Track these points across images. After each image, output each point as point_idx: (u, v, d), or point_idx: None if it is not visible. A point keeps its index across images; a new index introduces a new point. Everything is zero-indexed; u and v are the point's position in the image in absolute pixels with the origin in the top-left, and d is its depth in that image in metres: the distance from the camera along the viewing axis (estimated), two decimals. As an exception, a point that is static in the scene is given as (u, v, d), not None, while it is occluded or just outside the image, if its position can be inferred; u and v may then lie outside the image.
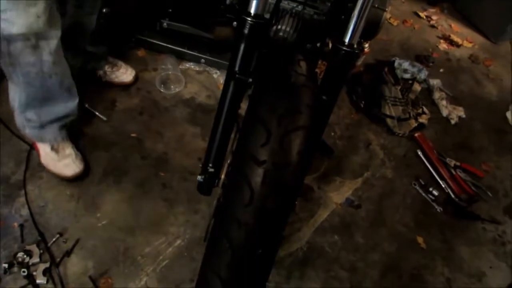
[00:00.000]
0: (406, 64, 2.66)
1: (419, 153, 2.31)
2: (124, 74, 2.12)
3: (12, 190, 1.68)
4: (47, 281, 1.48)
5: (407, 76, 2.60)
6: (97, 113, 1.98)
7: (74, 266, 1.55)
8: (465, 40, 3.24)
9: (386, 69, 2.53)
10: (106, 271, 1.56)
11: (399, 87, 2.44)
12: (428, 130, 2.46)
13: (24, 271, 1.46)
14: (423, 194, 2.14)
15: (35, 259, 1.51)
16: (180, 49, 2.32)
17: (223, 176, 1.26)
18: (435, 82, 2.71)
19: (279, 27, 1.13)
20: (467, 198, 2.15)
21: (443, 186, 2.19)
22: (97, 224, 1.67)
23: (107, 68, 2.08)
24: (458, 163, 2.28)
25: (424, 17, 3.38)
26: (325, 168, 2.06)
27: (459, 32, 3.33)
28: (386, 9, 1.14)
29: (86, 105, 1.98)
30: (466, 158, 2.37)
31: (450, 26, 3.38)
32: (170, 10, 2.22)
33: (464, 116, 2.61)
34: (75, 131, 1.81)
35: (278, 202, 0.91)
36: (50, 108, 1.60)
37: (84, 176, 1.74)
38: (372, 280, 1.78)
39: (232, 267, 0.96)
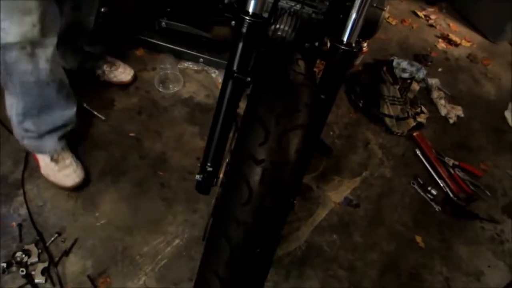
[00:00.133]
0: (404, 64, 2.66)
1: (418, 152, 2.31)
2: (123, 73, 2.12)
3: (10, 189, 1.68)
4: (46, 281, 1.48)
5: (405, 75, 2.60)
6: (95, 113, 1.98)
7: (73, 266, 1.54)
8: (464, 39, 3.24)
9: (384, 69, 2.53)
10: (104, 271, 1.56)
11: (397, 87, 2.44)
12: (426, 130, 2.46)
13: (22, 271, 1.46)
14: (422, 193, 2.14)
15: (34, 258, 1.51)
16: (179, 48, 2.32)
17: (221, 175, 1.26)
18: (433, 81, 2.71)
19: (277, 26, 1.13)
20: (466, 197, 2.16)
21: (441, 185, 2.19)
22: (96, 223, 1.67)
23: (105, 67, 2.08)
24: (456, 162, 2.29)
25: (423, 17, 3.38)
26: (324, 168, 2.06)
27: (458, 31, 3.33)
28: (385, 8, 1.14)
29: (85, 105, 1.98)
30: (465, 157, 2.38)
31: (449, 25, 3.38)
32: (169, 10, 2.22)
33: (462, 115, 2.62)
34: (74, 133, 1.79)
35: (277, 201, 0.91)
36: (48, 117, 1.58)
37: (84, 185, 1.73)
38: (371, 280, 1.78)
39: (231, 266, 0.96)
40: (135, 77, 2.16)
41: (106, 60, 2.08)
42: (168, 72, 2.26)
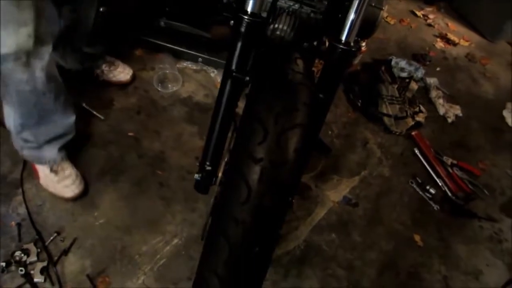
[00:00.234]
0: (403, 63, 2.67)
1: (416, 151, 2.32)
2: (122, 73, 2.12)
3: (9, 189, 1.68)
4: (45, 280, 1.48)
5: (404, 74, 2.60)
6: (94, 112, 1.98)
7: (72, 265, 1.55)
8: (462, 38, 3.25)
9: (383, 68, 2.54)
10: (103, 270, 1.56)
11: (396, 86, 2.45)
12: (425, 129, 2.47)
13: (21, 270, 1.46)
14: (420, 192, 2.14)
15: (33, 258, 1.51)
16: (178, 48, 2.32)
17: (220, 175, 1.26)
18: (432, 80, 2.72)
19: (276, 25, 1.13)
20: (464, 196, 2.16)
21: (440, 184, 2.20)
22: (95, 223, 1.67)
23: (104, 67, 2.08)
24: (455, 162, 2.29)
25: (421, 16, 3.39)
26: (323, 167, 2.06)
27: (456, 30, 3.34)
28: (383, 8, 1.14)
29: (84, 104, 1.98)
30: (463, 156, 2.38)
31: (447, 24, 3.39)
32: (168, 9, 2.23)
33: (461, 114, 2.62)
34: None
35: (275, 200, 0.91)
36: (46, 127, 1.57)
37: (83, 195, 1.72)
38: (370, 279, 1.78)
39: (230, 265, 0.96)
40: (134, 77, 2.17)
41: (105, 59, 2.09)
42: (167, 71, 2.26)
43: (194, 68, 2.35)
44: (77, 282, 1.51)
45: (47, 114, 1.53)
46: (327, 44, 1.14)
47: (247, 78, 1.05)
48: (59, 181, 1.67)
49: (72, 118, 1.64)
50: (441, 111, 2.59)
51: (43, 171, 1.68)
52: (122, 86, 2.13)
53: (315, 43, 1.23)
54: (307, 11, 1.15)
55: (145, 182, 1.82)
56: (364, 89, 2.47)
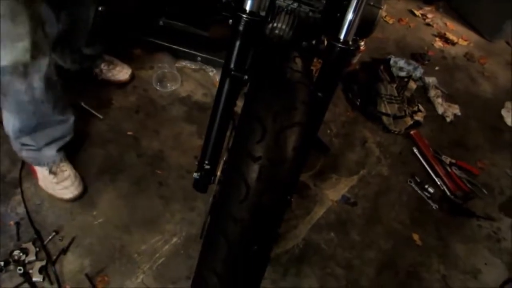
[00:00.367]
0: (401, 62, 2.67)
1: (415, 150, 2.32)
2: (121, 72, 2.12)
3: (8, 188, 1.68)
4: (43, 279, 1.48)
5: (402, 74, 2.60)
6: (93, 112, 1.98)
7: (70, 264, 1.55)
8: (461, 38, 3.25)
9: (381, 67, 2.54)
10: (102, 269, 1.56)
11: (394, 85, 2.45)
12: (423, 128, 2.47)
13: (20, 269, 1.46)
14: (419, 192, 2.14)
15: (31, 257, 1.51)
16: (176, 47, 2.32)
17: (219, 173, 1.26)
18: (430, 80, 2.72)
19: (274, 24, 1.13)
20: (463, 195, 2.16)
21: (438, 183, 2.20)
22: (93, 222, 1.67)
23: (103, 66, 2.08)
24: (453, 161, 2.29)
25: (420, 16, 3.39)
26: (321, 166, 2.06)
27: (455, 30, 3.34)
28: (382, 7, 1.14)
29: (82, 104, 1.98)
30: (462, 155, 2.38)
31: (446, 24, 3.39)
32: (167, 9, 2.22)
33: (459, 113, 2.63)
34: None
35: (274, 198, 0.91)
36: (45, 132, 1.57)
37: (82, 196, 1.72)
38: (368, 278, 1.78)
39: (228, 263, 0.96)
40: (133, 76, 2.16)
41: (104, 59, 2.08)
42: (166, 70, 2.26)
43: (193, 67, 2.35)
44: (76, 281, 1.51)
45: (46, 121, 1.54)
46: (325, 43, 1.14)
47: (246, 77, 1.06)
48: (58, 182, 1.66)
49: (70, 120, 1.64)
50: (440, 110, 2.59)
51: (41, 172, 1.68)
52: (121, 85, 2.13)
53: (313, 42, 1.23)
54: (306, 10, 1.15)
55: (144, 181, 1.82)
56: (363, 88, 2.47)
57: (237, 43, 1.03)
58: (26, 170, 1.73)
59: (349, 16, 0.98)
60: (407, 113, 2.42)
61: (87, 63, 2.03)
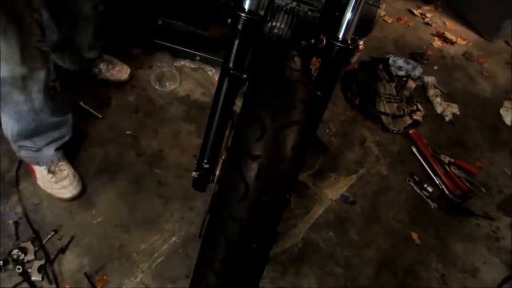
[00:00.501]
0: (400, 62, 2.67)
1: (414, 150, 2.32)
2: (120, 72, 2.11)
3: (7, 187, 1.68)
4: (42, 278, 1.48)
5: (401, 73, 2.60)
6: (92, 111, 1.98)
7: (69, 263, 1.55)
8: (459, 37, 3.25)
9: (380, 66, 2.54)
10: (101, 268, 1.56)
11: (393, 84, 2.45)
12: (422, 127, 2.47)
13: (19, 269, 1.46)
14: (418, 191, 2.15)
15: (30, 256, 1.51)
16: (175, 46, 2.32)
17: (218, 172, 1.26)
18: (429, 79, 2.72)
19: (273, 23, 1.13)
20: (461, 194, 2.16)
21: (437, 182, 2.20)
22: (92, 221, 1.67)
23: (102, 66, 2.08)
24: (452, 160, 2.29)
25: (419, 15, 3.39)
26: (320, 165, 2.07)
27: (453, 29, 3.34)
28: (380, 6, 1.14)
29: (81, 103, 1.98)
30: (460, 154, 2.39)
31: (444, 23, 3.39)
32: (166, 8, 2.22)
33: (458, 113, 2.63)
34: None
35: (273, 196, 0.91)
36: (44, 134, 1.58)
37: (81, 195, 1.72)
38: (367, 276, 1.79)
39: (227, 262, 0.96)
40: (131, 76, 2.16)
41: (103, 58, 2.08)
42: (165, 70, 2.26)
43: (192, 66, 2.34)
44: (75, 280, 1.51)
45: (45, 125, 1.55)
46: (324, 42, 1.14)
47: (245, 76, 1.06)
48: (56, 181, 1.67)
49: (69, 120, 1.65)
50: (439, 109, 2.59)
51: (40, 171, 1.68)
52: (120, 85, 2.13)
53: (312, 41, 1.23)
54: (305, 9, 1.15)
55: (143, 180, 1.83)
56: (361, 88, 2.47)
57: (236, 42, 1.02)
58: (24, 169, 1.73)
59: (348, 15, 0.98)
60: (406, 112, 2.42)
61: (87, 64, 2.03)
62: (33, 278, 1.47)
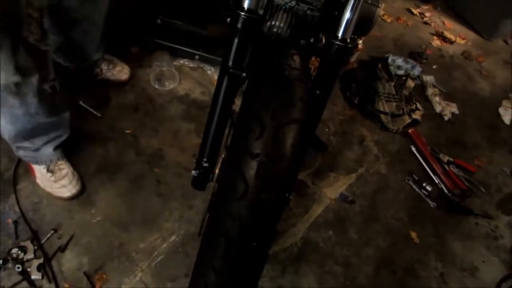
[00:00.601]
0: (399, 61, 2.67)
1: (413, 149, 2.32)
2: (120, 72, 2.11)
3: (6, 186, 1.68)
4: (42, 277, 1.48)
5: (400, 72, 2.61)
6: (91, 110, 1.98)
7: (69, 262, 1.55)
8: (458, 36, 3.26)
9: (380, 66, 2.54)
10: (101, 267, 1.56)
11: (392, 83, 2.45)
12: (421, 126, 2.47)
13: (18, 267, 1.46)
14: (417, 190, 2.15)
15: (30, 255, 1.51)
16: (174, 45, 2.32)
17: (217, 171, 1.27)
18: (428, 78, 2.72)
19: (272, 23, 1.13)
20: (460, 193, 2.17)
21: (436, 181, 2.20)
22: (92, 220, 1.67)
23: (103, 66, 2.07)
24: (451, 159, 2.30)
25: (418, 14, 3.39)
26: (319, 164, 2.07)
27: (452, 29, 3.34)
28: (379, 5, 1.14)
29: (80, 102, 1.98)
30: (459, 153, 2.39)
31: (443, 23, 3.39)
32: (165, 7, 2.22)
33: (457, 112, 2.63)
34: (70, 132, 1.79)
35: (272, 194, 0.91)
36: (41, 135, 1.58)
37: (80, 194, 1.72)
38: (366, 275, 1.79)
39: (227, 260, 0.96)
40: (131, 75, 2.16)
41: (104, 58, 2.08)
42: (164, 69, 2.26)
43: (191, 65, 2.34)
44: (75, 279, 1.51)
45: (42, 127, 1.55)
46: (323, 41, 1.14)
47: (244, 75, 1.06)
48: (55, 180, 1.67)
49: (66, 118, 1.64)
50: (438, 108, 2.60)
51: (39, 170, 1.68)
52: (120, 84, 2.13)
53: (311, 40, 1.23)
54: (304, 8, 1.15)
55: (142, 179, 1.83)
56: (361, 87, 2.48)
57: (235, 41, 1.02)
58: (24, 168, 1.73)
59: (347, 14, 0.98)
60: (405, 111, 2.42)
61: (90, 64, 2.02)
62: (32, 277, 1.47)
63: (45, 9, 1.34)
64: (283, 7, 1.14)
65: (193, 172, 1.27)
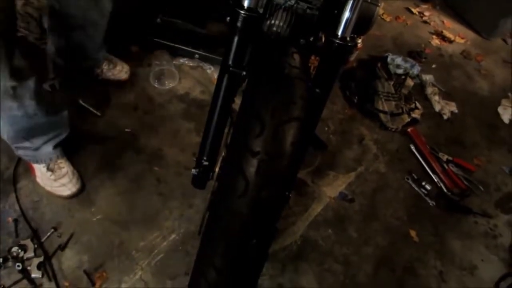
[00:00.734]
0: (399, 60, 2.68)
1: (412, 147, 2.33)
2: (121, 72, 2.11)
3: (6, 185, 1.68)
4: (42, 275, 1.48)
5: (400, 71, 2.62)
6: (91, 109, 1.98)
7: (69, 260, 1.55)
8: (457, 36, 3.26)
9: (379, 65, 2.54)
10: (101, 265, 1.56)
11: (392, 83, 2.46)
12: (420, 125, 2.48)
13: (18, 266, 1.46)
14: (416, 188, 2.15)
15: (30, 253, 1.51)
16: (174, 44, 2.32)
17: (217, 170, 1.27)
18: (427, 77, 2.73)
19: (272, 21, 1.13)
20: (459, 192, 2.17)
21: (435, 180, 2.21)
22: (92, 218, 1.67)
23: (104, 65, 2.07)
24: (450, 158, 2.30)
25: (417, 13, 3.40)
26: (319, 163, 2.07)
27: (451, 28, 3.35)
28: (379, 4, 1.15)
29: (80, 101, 1.98)
30: (459, 152, 2.39)
31: (443, 22, 3.40)
32: (165, 6, 2.22)
33: (456, 111, 2.64)
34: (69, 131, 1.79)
35: (273, 192, 0.92)
36: (40, 135, 1.58)
37: (80, 193, 1.72)
38: (366, 273, 1.79)
39: (227, 257, 0.97)
40: (131, 74, 2.16)
41: (104, 58, 2.08)
42: (164, 68, 2.26)
43: (191, 64, 2.35)
44: (75, 277, 1.52)
45: (41, 127, 1.55)
46: (323, 40, 1.15)
47: (244, 73, 1.06)
48: (55, 179, 1.67)
49: (65, 117, 1.64)
50: (437, 107, 2.60)
51: (39, 169, 1.68)
52: (120, 84, 2.13)
53: (311, 39, 1.24)
54: (303, 7, 1.15)
55: (142, 178, 1.83)
56: (360, 86, 2.48)
57: (235, 39, 1.03)
58: (24, 166, 1.73)
59: (347, 13, 0.98)
60: (404, 110, 2.43)
61: (92, 63, 2.03)
62: (32, 275, 1.47)
63: (45, 9, 1.35)
64: (283, 6, 1.14)
65: (193, 171, 1.28)
